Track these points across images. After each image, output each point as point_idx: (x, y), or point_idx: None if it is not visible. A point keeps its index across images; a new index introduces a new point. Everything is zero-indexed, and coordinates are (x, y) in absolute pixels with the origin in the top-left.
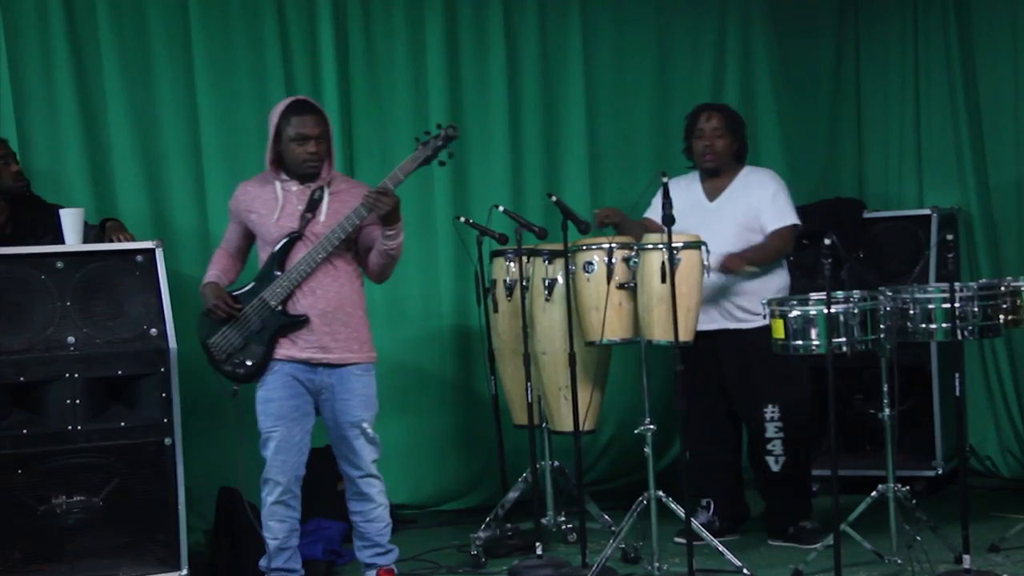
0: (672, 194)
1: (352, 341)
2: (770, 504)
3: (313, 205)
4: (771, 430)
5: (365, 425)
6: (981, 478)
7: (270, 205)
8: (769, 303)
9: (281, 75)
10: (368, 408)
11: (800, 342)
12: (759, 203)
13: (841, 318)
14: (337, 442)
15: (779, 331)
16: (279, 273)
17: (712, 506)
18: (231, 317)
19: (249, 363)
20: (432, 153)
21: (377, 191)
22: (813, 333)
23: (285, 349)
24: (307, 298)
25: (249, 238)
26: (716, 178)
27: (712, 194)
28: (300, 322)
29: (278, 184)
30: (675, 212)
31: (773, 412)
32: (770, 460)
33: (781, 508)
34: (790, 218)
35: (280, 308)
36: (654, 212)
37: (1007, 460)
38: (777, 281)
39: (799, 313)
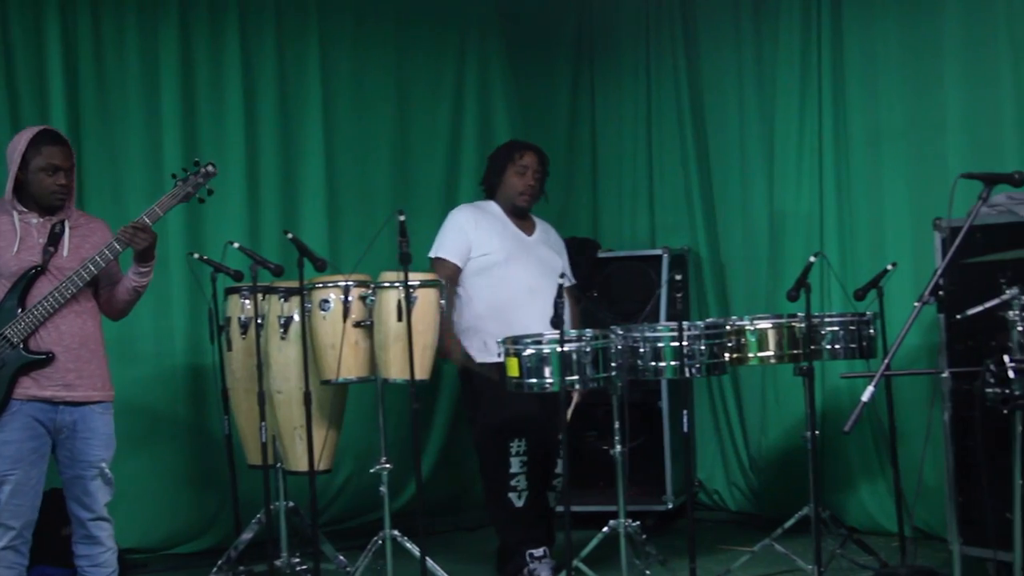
0: (481, 219)
1: (96, 379)
2: (507, 539)
3: (55, 239)
4: (516, 465)
5: (104, 465)
6: (709, 512)
7: (8, 237)
8: (504, 342)
9: (6, 104)
10: (108, 448)
11: (534, 380)
12: (562, 260)
13: (574, 356)
14: (70, 482)
15: (513, 369)
16: (20, 310)
17: (548, 552)
18: None
19: None
20: (192, 190)
21: (135, 226)
22: (547, 371)
23: (25, 388)
24: (51, 335)
25: None
26: (523, 217)
27: (526, 230)
28: (44, 360)
29: (16, 215)
30: (498, 238)
31: (519, 446)
32: (513, 496)
33: (517, 542)
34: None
35: (22, 345)
36: (446, 250)
37: (734, 494)
38: None
39: (533, 352)
